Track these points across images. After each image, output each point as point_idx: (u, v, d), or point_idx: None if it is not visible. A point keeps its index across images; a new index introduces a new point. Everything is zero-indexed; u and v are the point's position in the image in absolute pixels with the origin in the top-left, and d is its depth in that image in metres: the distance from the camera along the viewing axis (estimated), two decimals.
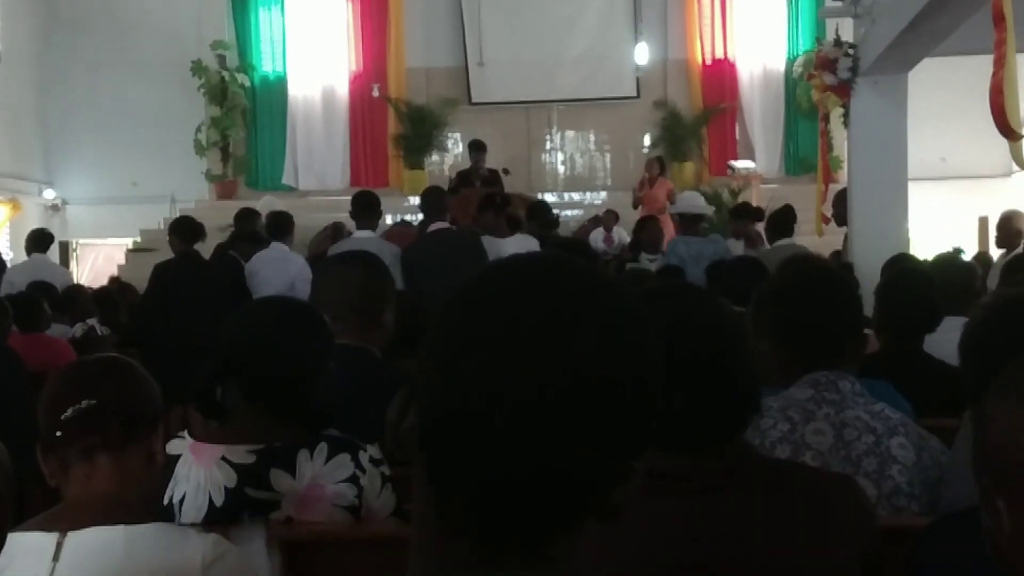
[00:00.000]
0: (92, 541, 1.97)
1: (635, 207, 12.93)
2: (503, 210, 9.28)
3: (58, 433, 2.03)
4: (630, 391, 1.01)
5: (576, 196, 16.58)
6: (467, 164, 13.10)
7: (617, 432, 1.00)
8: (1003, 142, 5.52)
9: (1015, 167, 5.96)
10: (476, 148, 13.20)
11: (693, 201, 9.25)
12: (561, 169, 17.54)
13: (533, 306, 1.01)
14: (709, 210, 10.26)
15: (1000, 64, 5.44)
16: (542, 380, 0.97)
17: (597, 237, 12.12)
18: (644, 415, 1.04)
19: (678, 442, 1.97)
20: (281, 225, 9.09)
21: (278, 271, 8.44)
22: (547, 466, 0.97)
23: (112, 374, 2.12)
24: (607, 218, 12.71)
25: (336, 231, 11.92)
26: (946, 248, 8.23)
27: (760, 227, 9.85)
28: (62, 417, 2.02)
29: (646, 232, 10.46)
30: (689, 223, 9.04)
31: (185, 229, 8.53)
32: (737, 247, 9.72)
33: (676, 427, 1.95)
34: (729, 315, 2.02)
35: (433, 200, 8.36)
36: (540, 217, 10.91)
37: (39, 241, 10.39)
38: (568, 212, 15.35)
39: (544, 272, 1.07)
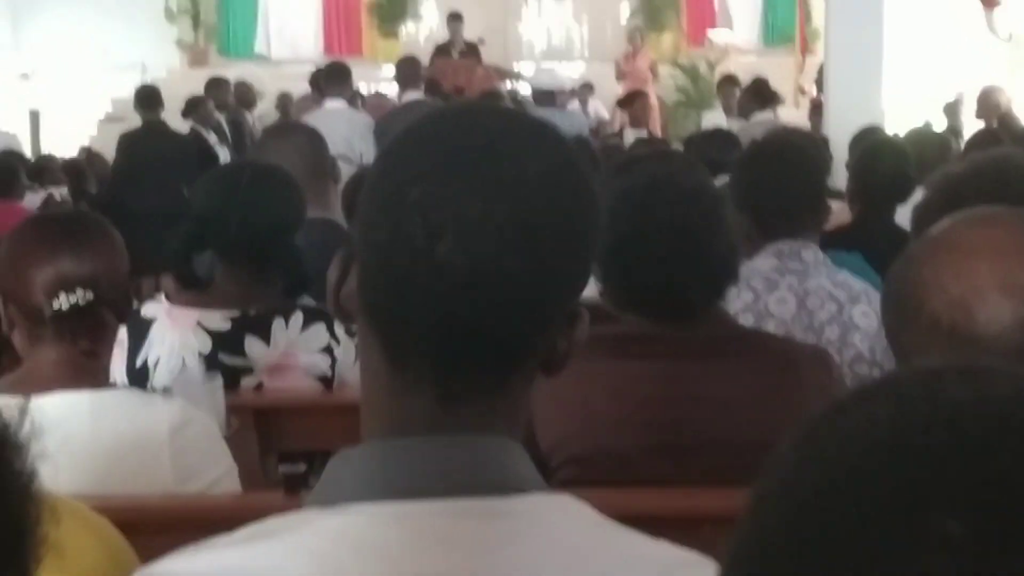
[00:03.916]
0: (58, 407, 1.95)
1: (618, 80, 12.79)
2: None
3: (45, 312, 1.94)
4: (572, 227, 0.99)
5: (553, 67, 16.35)
6: (443, 36, 12.92)
7: (559, 270, 0.99)
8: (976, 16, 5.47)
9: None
10: (453, 19, 13.01)
11: (553, 76, 9.20)
12: (538, 40, 17.27)
13: (475, 140, 1.00)
14: (565, 87, 10.06)
15: None
16: (483, 210, 0.94)
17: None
18: (585, 255, 1.03)
19: (656, 307, 1.98)
20: (333, 77, 7.70)
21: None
22: (493, 305, 0.95)
23: (103, 249, 2.02)
24: (582, 91, 12.56)
25: (282, 101, 11.91)
26: (918, 123, 8.21)
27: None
28: (54, 305, 1.93)
29: (636, 107, 10.31)
30: (543, 98, 8.97)
31: (144, 98, 8.66)
32: (720, 118, 9.64)
33: (655, 292, 1.96)
34: (711, 183, 2.01)
35: (408, 70, 8.27)
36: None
37: None
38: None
39: (487, 112, 1.10)
